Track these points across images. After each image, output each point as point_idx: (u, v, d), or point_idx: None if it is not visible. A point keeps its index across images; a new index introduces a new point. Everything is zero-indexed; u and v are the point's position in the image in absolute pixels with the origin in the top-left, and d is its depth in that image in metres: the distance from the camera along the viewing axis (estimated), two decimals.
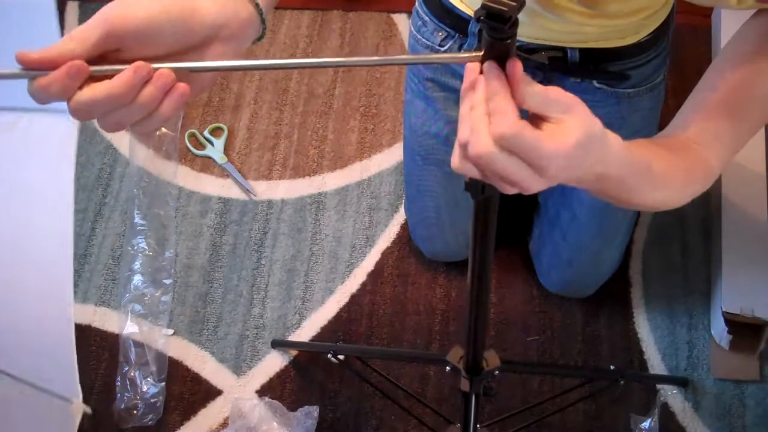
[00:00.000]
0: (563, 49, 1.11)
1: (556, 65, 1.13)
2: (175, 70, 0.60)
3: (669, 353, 1.57)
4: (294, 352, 1.61)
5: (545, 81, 1.19)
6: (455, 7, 1.17)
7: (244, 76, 1.94)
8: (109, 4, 0.60)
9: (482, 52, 0.57)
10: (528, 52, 1.11)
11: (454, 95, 1.33)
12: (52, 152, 1.12)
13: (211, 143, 1.85)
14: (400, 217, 1.75)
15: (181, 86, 0.61)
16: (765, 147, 1.61)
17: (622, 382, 1.50)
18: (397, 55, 1.96)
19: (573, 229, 1.44)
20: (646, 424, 1.47)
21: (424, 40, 1.27)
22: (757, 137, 1.63)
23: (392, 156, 1.82)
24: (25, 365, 1.15)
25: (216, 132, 1.87)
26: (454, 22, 1.20)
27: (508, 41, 0.55)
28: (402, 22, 2.01)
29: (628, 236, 1.51)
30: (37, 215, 1.13)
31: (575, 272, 1.53)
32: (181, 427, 1.54)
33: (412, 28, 1.31)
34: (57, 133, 1.10)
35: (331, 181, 1.80)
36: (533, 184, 0.60)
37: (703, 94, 0.83)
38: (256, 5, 0.68)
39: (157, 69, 0.59)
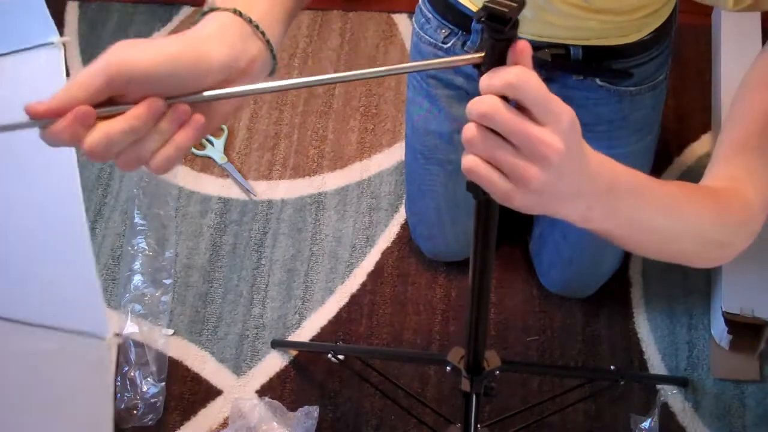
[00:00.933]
0: (566, 47, 1.11)
1: (559, 63, 1.13)
2: (190, 103, 0.59)
3: (669, 353, 1.57)
4: (294, 352, 1.61)
5: (548, 79, 1.19)
6: (459, 3, 1.17)
7: None
8: (114, 48, 0.59)
9: (483, 54, 0.57)
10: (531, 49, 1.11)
11: (457, 92, 1.33)
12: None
13: (211, 143, 1.85)
14: (400, 217, 1.75)
15: (197, 117, 0.60)
16: None
17: (622, 383, 1.50)
18: (397, 55, 1.95)
19: (574, 228, 1.43)
20: (646, 424, 1.47)
21: (427, 37, 1.27)
22: None
23: (392, 156, 1.82)
24: (54, 313, 1.15)
25: (216, 132, 1.87)
26: (458, 18, 1.20)
27: (510, 42, 0.55)
28: (402, 22, 2.01)
29: None
30: (41, 167, 1.12)
31: (575, 272, 1.53)
32: (181, 427, 1.54)
33: (415, 26, 1.31)
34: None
35: (331, 181, 1.80)
36: (529, 172, 0.58)
37: (731, 128, 0.81)
38: (267, 42, 0.66)
39: (170, 103, 0.59)
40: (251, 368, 1.60)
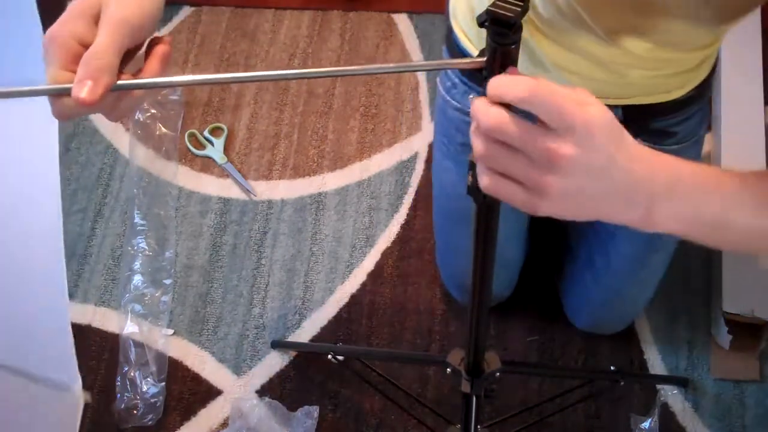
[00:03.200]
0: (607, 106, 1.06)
1: None
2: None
3: (669, 353, 1.57)
4: (294, 352, 1.61)
5: None
6: None
7: None
8: (111, 10, 0.59)
9: (485, 58, 0.57)
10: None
11: None
12: (33, 148, 1.11)
13: (211, 143, 1.85)
14: (400, 217, 1.75)
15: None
16: (765, 147, 1.61)
17: (622, 383, 1.50)
18: (397, 55, 1.95)
19: (608, 275, 1.39)
20: (646, 424, 1.48)
21: (454, 102, 1.20)
22: (757, 138, 1.64)
23: (392, 156, 1.82)
24: (24, 358, 1.15)
25: (216, 132, 1.87)
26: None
27: (512, 47, 0.55)
28: (402, 22, 2.00)
29: (661, 276, 1.44)
30: (24, 211, 1.12)
31: (607, 314, 1.50)
32: (181, 427, 1.55)
33: (441, 89, 1.24)
34: (37, 124, 1.08)
35: (331, 181, 1.80)
36: (544, 181, 0.58)
37: None
38: None
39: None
40: (251, 368, 1.60)
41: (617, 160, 0.59)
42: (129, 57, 0.60)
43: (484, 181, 0.60)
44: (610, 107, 1.04)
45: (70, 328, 1.12)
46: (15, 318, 1.15)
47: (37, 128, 1.08)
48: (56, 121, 1.05)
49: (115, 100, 0.59)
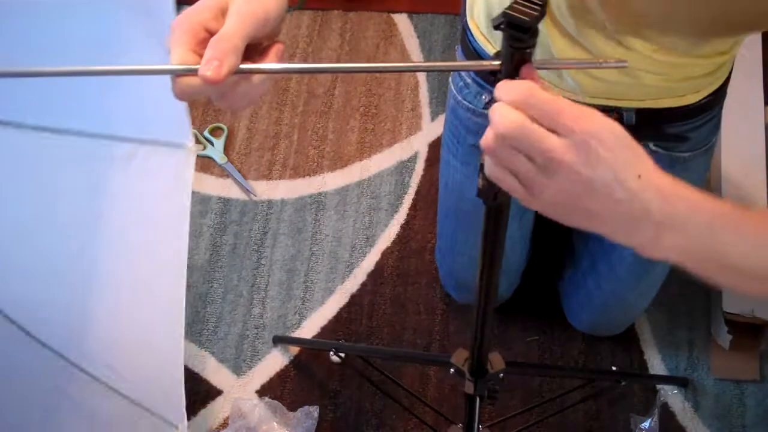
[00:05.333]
0: (619, 111, 1.05)
1: None
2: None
3: (669, 353, 1.58)
4: (294, 352, 1.61)
5: None
6: None
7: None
8: (240, 3, 0.62)
9: (500, 62, 0.57)
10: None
11: None
12: (168, 182, 1.15)
13: (211, 143, 1.84)
14: (400, 217, 1.75)
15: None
16: (765, 147, 1.62)
17: (622, 383, 1.50)
18: (397, 55, 1.95)
19: (609, 281, 1.39)
20: (646, 424, 1.48)
21: (466, 102, 1.19)
22: (757, 137, 1.64)
23: (392, 156, 1.82)
24: (134, 385, 1.15)
25: (216, 132, 1.87)
26: None
27: (528, 51, 0.55)
28: (402, 22, 2.00)
29: (663, 281, 1.43)
30: (153, 243, 1.15)
31: (607, 317, 1.50)
32: None
33: (453, 89, 1.23)
34: (174, 162, 1.12)
35: (331, 181, 1.80)
36: (538, 182, 0.59)
37: None
38: None
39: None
40: (251, 368, 1.60)
41: (625, 181, 0.58)
42: (249, 56, 0.63)
43: (489, 167, 0.62)
44: (624, 110, 1.05)
45: (182, 365, 1.14)
46: (130, 347, 1.17)
47: (174, 161, 1.12)
48: (192, 153, 1.12)
49: (234, 84, 0.62)
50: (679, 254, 0.63)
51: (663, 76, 0.97)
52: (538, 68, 0.58)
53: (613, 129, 0.58)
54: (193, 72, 0.58)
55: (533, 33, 0.53)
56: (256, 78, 0.62)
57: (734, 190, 1.58)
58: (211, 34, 0.61)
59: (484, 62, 0.58)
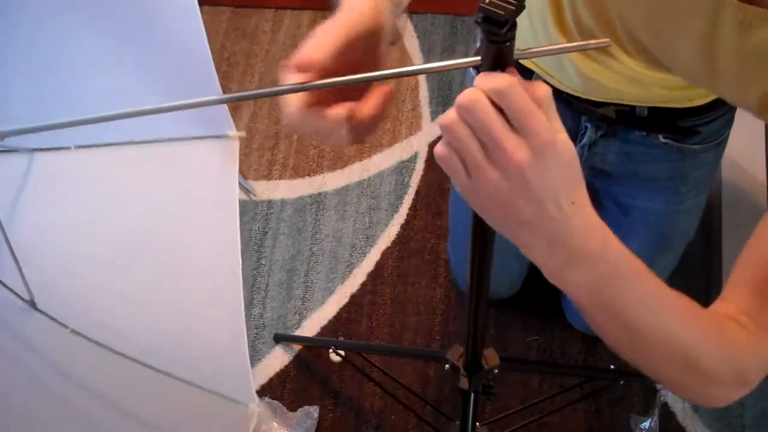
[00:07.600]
0: (632, 106, 1.07)
1: (623, 118, 1.09)
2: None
3: None
4: (294, 352, 1.61)
5: (609, 132, 1.15)
6: (519, 63, 1.11)
7: (244, 76, 1.94)
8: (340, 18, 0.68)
9: (480, 57, 0.57)
10: (595, 105, 1.08)
11: None
12: (216, 168, 1.20)
13: None
14: (400, 217, 1.75)
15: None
16: (765, 147, 1.61)
17: (622, 382, 1.50)
18: (397, 55, 1.95)
19: None
20: (646, 424, 1.47)
21: None
22: (757, 137, 1.63)
23: (392, 156, 1.82)
24: (198, 371, 1.16)
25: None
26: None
27: (507, 44, 0.55)
28: (402, 22, 2.00)
29: (665, 279, 1.42)
30: (205, 227, 1.19)
31: None
32: None
33: (467, 81, 1.24)
34: (219, 151, 1.19)
35: (331, 181, 1.80)
36: (487, 173, 0.57)
37: (741, 266, 0.75)
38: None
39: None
40: (251, 368, 1.60)
41: (562, 201, 0.58)
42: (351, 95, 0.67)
43: (438, 149, 0.60)
44: (635, 107, 1.05)
45: (246, 344, 1.15)
46: (190, 333, 1.18)
47: (218, 149, 1.17)
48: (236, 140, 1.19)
49: (304, 125, 0.65)
50: (579, 289, 0.63)
51: (674, 91, 0.99)
52: (519, 58, 0.57)
53: (572, 152, 0.57)
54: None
55: (511, 27, 0.53)
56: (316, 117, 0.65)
57: (734, 190, 1.58)
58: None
59: (464, 60, 0.58)
